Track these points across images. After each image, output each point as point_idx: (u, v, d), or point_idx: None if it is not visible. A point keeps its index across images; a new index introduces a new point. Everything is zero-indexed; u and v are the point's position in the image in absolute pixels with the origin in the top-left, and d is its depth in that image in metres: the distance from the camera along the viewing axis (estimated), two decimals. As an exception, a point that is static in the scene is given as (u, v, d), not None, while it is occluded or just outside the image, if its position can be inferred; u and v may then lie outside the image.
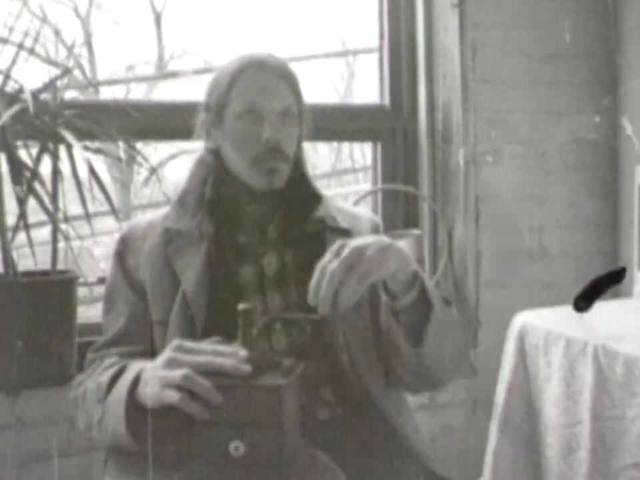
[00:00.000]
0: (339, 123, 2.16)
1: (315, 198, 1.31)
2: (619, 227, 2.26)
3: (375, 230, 1.36)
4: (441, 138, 2.17)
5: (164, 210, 1.35)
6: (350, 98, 3.68)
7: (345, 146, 3.41)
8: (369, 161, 2.54)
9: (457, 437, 2.09)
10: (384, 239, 1.10)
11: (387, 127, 2.22)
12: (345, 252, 1.04)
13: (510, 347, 1.79)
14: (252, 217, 1.28)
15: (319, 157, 3.48)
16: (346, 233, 1.28)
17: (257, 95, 1.24)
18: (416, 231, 2.14)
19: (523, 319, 1.80)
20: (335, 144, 3.26)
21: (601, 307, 1.95)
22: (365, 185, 2.85)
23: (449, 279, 2.16)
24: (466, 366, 1.28)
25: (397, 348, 1.16)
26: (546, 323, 1.73)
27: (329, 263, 1.04)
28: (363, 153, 3.34)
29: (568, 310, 1.89)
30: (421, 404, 2.03)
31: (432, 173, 2.19)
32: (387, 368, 1.24)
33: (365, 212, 1.46)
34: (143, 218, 1.38)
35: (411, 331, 1.13)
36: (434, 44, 2.18)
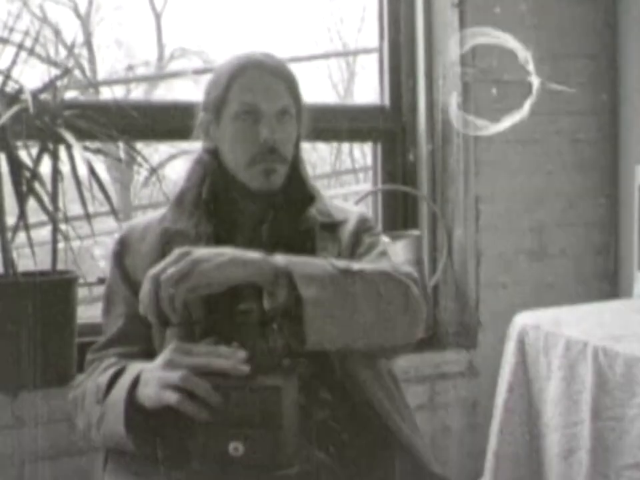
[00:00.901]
0: (339, 123, 2.16)
1: (309, 197, 1.31)
2: (619, 227, 2.26)
3: (362, 221, 1.34)
4: (440, 138, 2.17)
5: (162, 211, 1.35)
6: (350, 98, 3.68)
7: (345, 146, 3.41)
8: (369, 161, 2.54)
9: (457, 437, 2.09)
10: (227, 251, 1.08)
11: (387, 127, 2.22)
12: (181, 263, 1.05)
13: (510, 347, 1.79)
14: (249, 217, 1.28)
15: (319, 157, 3.49)
16: (333, 229, 1.28)
17: (255, 95, 1.24)
18: (416, 231, 2.13)
19: (523, 319, 1.80)
20: (335, 144, 3.26)
21: (600, 307, 1.95)
22: (365, 185, 2.86)
23: (448, 279, 2.16)
24: (417, 320, 1.20)
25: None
26: (546, 323, 1.73)
27: (162, 270, 1.05)
28: (363, 153, 3.34)
29: (568, 310, 1.89)
30: (421, 404, 2.03)
31: (431, 173, 2.19)
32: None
33: (356, 208, 1.44)
34: (140, 219, 1.38)
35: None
36: (434, 44, 2.18)
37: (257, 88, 1.25)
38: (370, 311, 1.12)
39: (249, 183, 1.26)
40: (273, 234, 1.26)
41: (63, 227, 1.64)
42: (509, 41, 2.13)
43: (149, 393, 1.03)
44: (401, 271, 1.20)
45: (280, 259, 1.08)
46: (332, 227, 1.29)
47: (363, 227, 1.32)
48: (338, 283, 1.09)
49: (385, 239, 1.34)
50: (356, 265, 1.15)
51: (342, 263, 1.14)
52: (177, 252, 1.07)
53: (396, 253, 1.97)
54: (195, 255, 1.05)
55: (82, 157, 1.57)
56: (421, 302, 1.19)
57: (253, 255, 1.08)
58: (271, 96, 1.25)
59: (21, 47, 1.60)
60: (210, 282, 1.05)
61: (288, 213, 1.28)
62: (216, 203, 1.28)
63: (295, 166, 1.31)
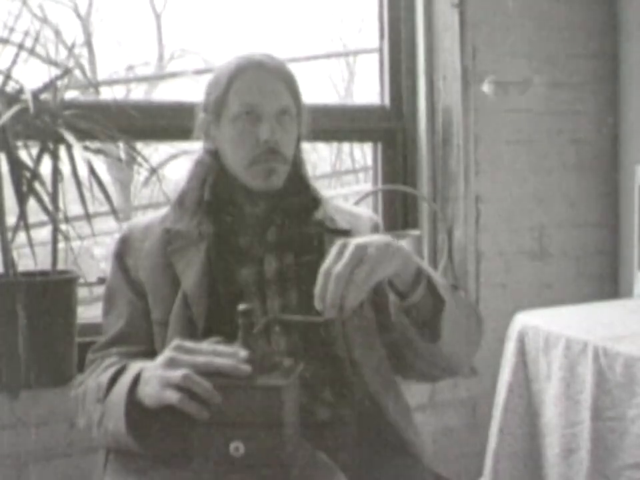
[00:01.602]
0: (339, 124, 2.16)
1: (314, 199, 1.31)
2: (619, 226, 2.26)
3: (375, 229, 1.35)
4: (440, 138, 2.17)
5: (163, 211, 1.34)
6: (350, 98, 3.68)
7: (345, 146, 3.41)
8: (369, 161, 2.54)
9: (457, 436, 2.09)
10: (384, 237, 1.09)
11: (387, 127, 2.22)
12: (348, 253, 1.02)
13: (510, 347, 1.79)
14: (251, 217, 1.28)
15: (319, 157, 3.49)
16: (345, 234, 1.28)
17: (255, 95, 1.24)
18: (416, 232, 2.14)
19: (523, 319, 1.80)
20: (335, 144, 3.26)
21: (601, 307, 1.95)
22: (365, 185, 2.86)
23: (448, 279, 2.16)
24: (478, 346, 1.27)
25: (411, 343, 1.15)
26: (546, 323, 1.73)
27: (333, 265, 1.02)
28: (363, 153, 3.34)
29: (568, 310, 1.89)
30: (421, 404, 2.03)
31: (432, 174, 2.19)
32: (398, 361, 1.25)
33: (365, 211, 1.46)
34: (142, 219, 1.38)
35: (423, 326, 1.13)
36: (434, 44, 2.18)
37: (257, 88, 1.25)
38: (466, 328, 1.21)
39: (250, 183, 1.26)
40: (280, 237, 1.26)
41: (63, 226, 1.64)
42: (508, 40, 2.13)
43: (149, 392, 1.03)
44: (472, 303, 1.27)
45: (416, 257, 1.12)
46: (342, 233, 1.28)
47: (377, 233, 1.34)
48: (453, 296, 1.16)
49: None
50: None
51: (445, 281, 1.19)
52: (336, 246, 1.04)
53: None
54: (358, 243, 1.03)
55: (82, 157, 1.57)
56: (480, 336, 1.25)
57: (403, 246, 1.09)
58: (271, 96, 1.25)
59: (21, 46, 1.60)
60: (379, 267, 1.03)
61: (294, 215, 1.28)
62: (217, 204, 1.28)
63: (296, 166, 1.31)
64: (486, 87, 2.01)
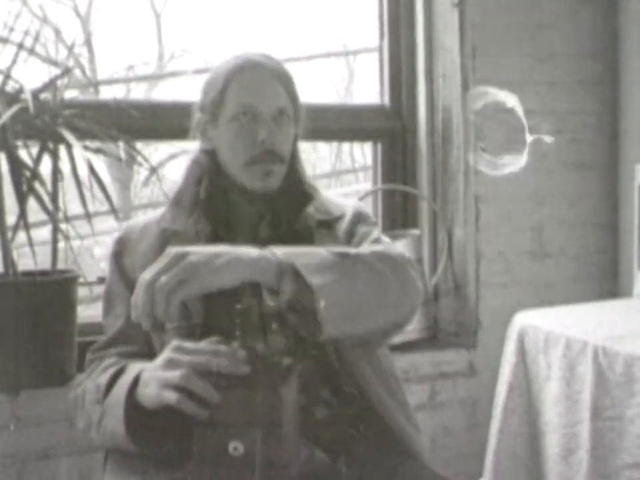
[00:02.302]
0: (339, 123, 2.16)
1: (306, 196, 1.31)
2: (619, 226, 2.26)
3: (357, 214, 1.34)
4: (440, 138, 2.17)
5: (160, 210, 1.35)
6: (350, 98, 3.68)
7: (345, 146, 3.41)
8: (369, 161, 2.54)
9: (457, 436, 2.09)
10: (219, 247, 1.04)
11: (386, 127, 2.22)
12: (162, 261, 1.00)
13: (510, 347, 1.79)
14: (247, 216, 1.28)
15: (319, 157, 3.48)
16: (329, 224, 1.28)
17: (252, 96, 1.24)
18: (416, 231, 2.13)
19: (523, 318, 1.80)
20: (335, 144, 3.26)
21: (600, 307, 1.95)
22: (365, 185, 2.85)
23: (448, 279, 2.16)
24: (416, 296, 1.18)
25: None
26: (546, 323, 1.73)
27: (157, 276, 0.99)
28: (363, 152, 3.34)
29: (568, 310, 1.89)
30: (421, 404, 2.04)
31: (432, 173, 2.19)
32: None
33: (351, 201, 1.44)
34: (139, 219, 1.38)
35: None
36: (434, 44, 2.18)
37: (254, 89, 1.25)
38: (372, 292, 1.11)
39: (247, 184, 1.26)
40: (271, 233, 1.26)
41: (63, 226, 1.64)
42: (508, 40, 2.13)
43: (149, 393, 1.03)
44: (394, 252, 1.19)
45: (279, 252, 1.06)
46: (329, 223, 1.29)
47: (358, 219, 1.32)
48: (339, 268, 1.07)
49: (385, 238, 1.34)
50: (352, 250, 1.15)
51: (338, 249, 1.12)
52: (170, 253, 1.01)
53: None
54: (190, 259, 1.00)
55: (82, 157, 1.57)
56: (417, 280, 1.18)
57: (252, 252, 1.05)
58: (269, 97, 1.25)
59: (21, 46, 1.60)
60: (208, 287, 1.01)
61: (286, 212, 1.28)
62: (214, 203, 1.28)
63: (293, 166, 1.31)
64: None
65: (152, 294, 0.98)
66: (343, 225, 1.30)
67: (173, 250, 1.02)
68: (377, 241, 1.29)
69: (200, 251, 1.02)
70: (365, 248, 1.19)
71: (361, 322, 1.11)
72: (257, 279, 1.03)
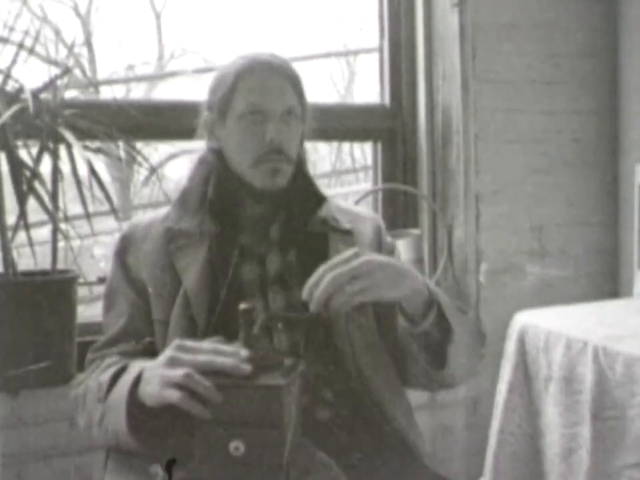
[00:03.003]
0: (339, 123, 2.16)
1: (318, 198, 1.31)
2: (619, 226, 2.26)
3: (377, 231, 1.36)
4: (440, 138, 2.17)
5: (164, 210, 1.34)
6: (350, 98, 3.68)
7: (345, 146, 3.41)
8: (369, 161, 2.54)
9: (457, 437, 2.09)
10: (398, 262, 1.12)
11: (386, 127, 2.22)
12: (355, 263, 1.04)
13: (510, 347, 1.79)
14: (254, 216, 1.28)
15: (319, 156, 3.48)
16: (348, 234, 1.28)
17: (261, 95, 1.24)
18: (416, 231, 2.13)
19: (523, 318, 1.80)
20: (335, 144, 3.26)
21: (601, 307, 1.95)
22: (365, 185, 2.85)
23: (448, 279, 2.16)
24: (480, 361, 1.30)
25: (416, 363, 1.19)
26: (546, 323, 1.73)
27: (335, 266, 1.04)
28: (363, 152, 3.34)
29: (568, 310, 1.89)
30: (421, 404, 2.03)
31: (432, 173, 2.19)
32: (399, 372, 1.27)
33: (368, 212, 1.46)
34: (143, 217, 1.38)
35: (431, 351, 1.16)
36: (434, 44, 2.18)
37: (263, 88, 1.25)
38: (467, 350, 1.22)
39: (254, 183, 1.26)
40: (282, 234, 1.26)
41: (63, 226, 1.64)
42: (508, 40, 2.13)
43: (150, 391, 1.03)
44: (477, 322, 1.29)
45: (426, 281, 1.13)
46: (346, 232, 1.29)
47: (381, 237, 1.36)
48: (459, 319, 1.17)
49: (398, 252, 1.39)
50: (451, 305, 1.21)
51: (450, 301, 1.20)
52: (351, 251, 1.06)
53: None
54: (370, 258, 1.05)
55: (82, 157, 1.57)
56: (484, 338, 1.30)
57: (413, 270, 1.12)
58: (278, 96, 1.25)
59: (21, 46, 1.60)
60: (380, 290, 1.05)
61: (298, 213, 1.28)
62: (220, 202, 1.27)
63: (300, 165, 1.31)
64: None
65: (334, 285, 1.02)
66: (365, 237, 1.32)
67: (366, 257, 1.07)
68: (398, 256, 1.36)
69: (387, 262, 1.09)
70: (455, 310, 1.23)
71: (459, 370, 1.21)
72: (409, 301, 1.11)
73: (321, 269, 1.04)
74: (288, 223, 1.27)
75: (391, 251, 1.34)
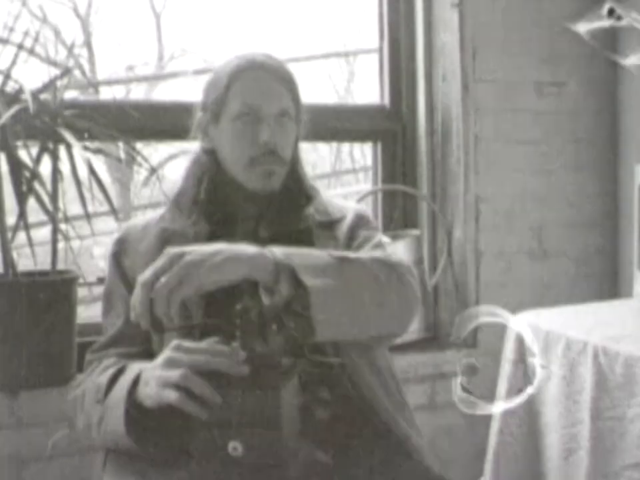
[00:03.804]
0: (339, 123, 2.16)
1: (307, 197, 1.31)
2: (619, 226, 2.26)
3: (358, 217, 1.34)
4: (440, 138, 2.17)
5: (160, 211, 1.35)
6: (350, 98, 3.67)
7: (345, 146, 3.40)
8: (369, 161, 2.53)
9: (457, 437, 2.09)
10: (216, 245, 1.05)
11: (386, 127, 2.22)
12: (159, 262, 1.02)
13: (510, 347, 1.79)
14: (247, 216, 1.28)
15: (319, 156, 3.48)
16: (329, 227, 1.28)
17: (255, 96, 1.24)
18: (416, 231, 2.13)
19: (523, 318, 1.80)
20: (335, 144, 3.26)
21: (601, 307, 1.95)
22: (365, 185, 2.85)
23: (448, 279, 2.16)
24: (412, 303, 1.19)
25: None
26: (546, 323, 1.73)
27: (156, 276, 1.00)
28: (362, 153, 3.33)
29: (568, 310, 1.89)
30: (421, 404, 2.03)
31: (431, 173, 2.19)
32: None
33: (352, 204, 1.44)
34: (139, 219, 1.39)
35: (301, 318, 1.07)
36: (434, 44, 2.18)
37: (257, 89, 1.25)
38: (369, 298, 1.11)
39: (248, 184, 1.26)
40: (270, 233, 1.26)
41: (62, 226, 1.64)
42: (508, 40, 2.13)
43: (149, 392, 1.03)
44: (394, 259, 1.19)
45: (278, 251, 1.06)
46: (329, 225, 1.29)
47: (359, 222, 1.32)
48: (338, 272, 1.08)
49: (385, 238, 1.34)
50: (352, 254, 1.15)
51: (338, 253, 1.13)
52: (168, 254, 1.02)
53: (396, 253, 1.97)
54: (188, 258, 1.01)
55: (82, 157, 1.57)
56: (416, 288, 1.18)
57: (249, 249, 1.05)
58: (272, 97, 1.25)
59: (21, 47, 1.60)
60: (207, 286, 1.01)
61: (285, 212, 1.28)
62: (214, 203, 1.28)
63: (294, 167, 1.31)
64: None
65: (151, 294, 0.99)
66: (344, 228, 1.30)
67: (170, 250, 1.03)
68: (377, 246, 1.29)
69: (197, 250, 1.03)
70: (366, 253, 1.19)
71: (355, 327, 1.11)
72: (254, 277, 1.04)
73: (137, 283, 1.02)
74: (275, 222, 1.27)
75: (365, 240, 1.29)
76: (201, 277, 1.00)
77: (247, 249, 1.05)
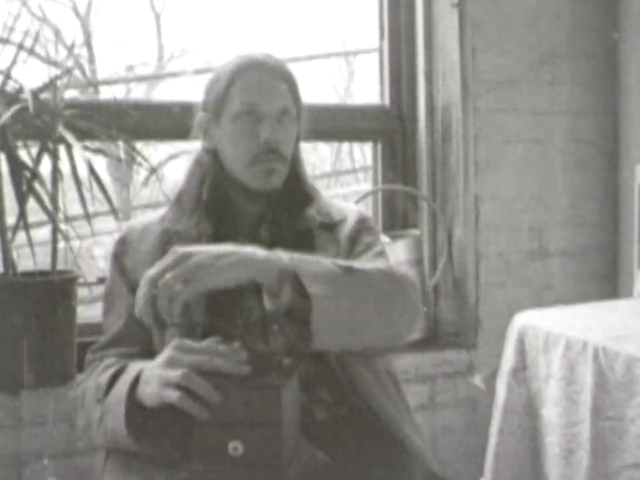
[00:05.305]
0: (339, 123, 2.16)
1: (307, 197, 1.31)
2: (619, 226, 2.26)
3: (361, 221, 1.34)
4: (440, 138, 2.17)
5: (161, 211, 1.35)
6: (350, 98, 3.68)
7: (345, 146, 3.41)
8: (369, 161, 2.54)
9: (457, 436, 2.09)
10: (223, 247, 1.06)
11: (386, 127, 2.22)
12: (167, 258, 1.03)
13: (510, 347, 1.79)
14: (249, 216, 1.28)
15: (319, 156, 3.48)
16: (331, 229, 1.28)
17: (256, 95, 1.24)
18: (416, 231, 2.13)
19: (523, 318, 1.80)
20: (335, 144, 3.26)
21: (601, 307, 1.95)
22: (365, 185, 2.85)
23: (448, 279, 2.16)
24: (413, 313, 1.19)
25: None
26: (546, 323, 1.73)
27: (162, 273, 1.01)
28: (362, 153, 3.34)
29: (568, 310, 1.89)
30: (421, 404, 2.03)
31: (432, 173, 2.19)
32: None
33: (353, 206, 1.44)
34: (140, 219, 1.39)
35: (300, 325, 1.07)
36: (434, 44, 2.18)
37: (258, 88, 1.25)
38: (370, 310, 1.11)
39: (249, 183, 1.26)
40: (271, 234, 1.26)
41: (62, 226, 1.64)
42: (508, 40, 2.13)
43: (149, 392, 1.03)
44: (398, 273, 1.20)
45: (283, 256, 1.07)
46: (331, 227, 1.29)
47: (362, 226, 1.32)
48: (342, 281, 1.08)
49: (385, 239, 1.34)
50: (357, 264, 1.15)
51: (344, 262, 1.13)
52: (176, 252, 1.04)
53: (396, 253, 1.97)
54: (195, 260, 1.02)
55: (82, 157, 1.57)
56: (418, 303, 1.19)
57: (258, 253, 1.06)
58: (272, 96, 1.25)
59: (21, 46, 1.61)
60: (211, 286, 1.03)
61: (287, 213, 1.28)
62: (216, 203, 1.28)
63: (294, 166, 1.31)
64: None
65: (155, 290, 1.00)
66: (346, 230, 1.30)
67: (178, 249, 1.04)
68: (380, 254, 1.29)
69: (205, 251, 1.04)
70: (370, 264, 1.19)
71: (355, 337, 1.12)
72: (259, 281, 1.04)
73: (142, 278, 1.03)
74: (276, 223, 1.27)
75: (368, 246, 1.30)
76: (205, 278, 1.01)
77: (256, 252, 1.06)
